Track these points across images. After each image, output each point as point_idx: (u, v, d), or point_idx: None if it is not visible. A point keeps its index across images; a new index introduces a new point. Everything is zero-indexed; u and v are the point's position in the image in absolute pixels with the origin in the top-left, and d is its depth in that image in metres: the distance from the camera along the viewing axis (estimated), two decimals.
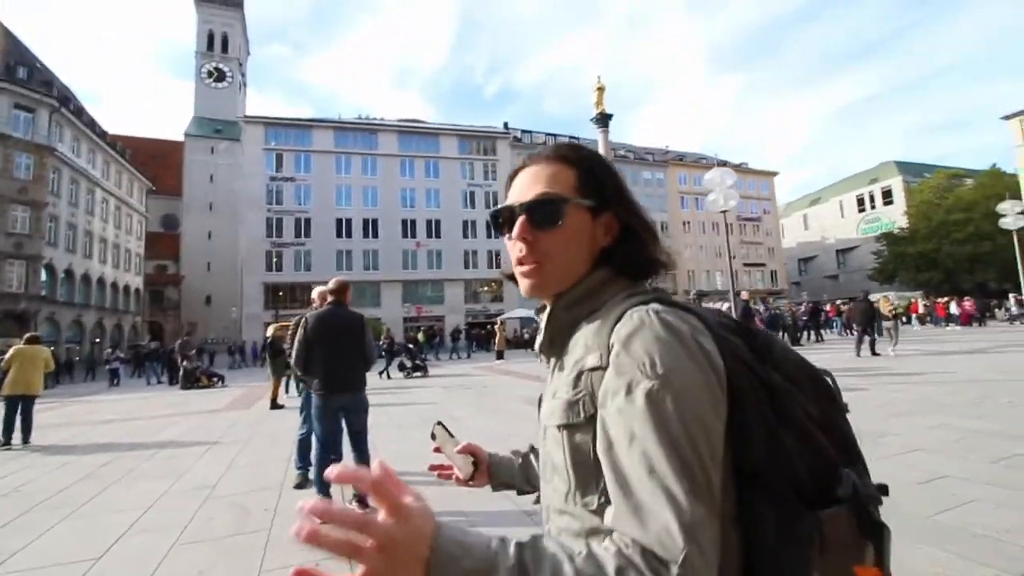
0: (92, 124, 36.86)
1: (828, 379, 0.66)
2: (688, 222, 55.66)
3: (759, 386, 0.57)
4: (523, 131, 50.77)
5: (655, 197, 54.84)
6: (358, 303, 41.21)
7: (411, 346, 13.20)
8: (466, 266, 44.82)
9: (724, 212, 11.14)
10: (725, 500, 0.53)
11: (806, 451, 0.57)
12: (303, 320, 3.60)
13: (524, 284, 0.70)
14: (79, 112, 35.06)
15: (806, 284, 61.75)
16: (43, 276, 29.95)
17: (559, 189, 0.68)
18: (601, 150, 23.13)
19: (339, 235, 42.12)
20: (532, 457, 0.95)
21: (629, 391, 0.53)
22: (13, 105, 29.13)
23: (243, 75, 64.61)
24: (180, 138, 58.17)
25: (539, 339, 0.72)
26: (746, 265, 58.20)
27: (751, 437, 0.55)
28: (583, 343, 0.63)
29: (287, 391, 9.84)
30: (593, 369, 0.60)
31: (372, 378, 13.46)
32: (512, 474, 0.95)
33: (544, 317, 0.71)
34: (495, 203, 30.00)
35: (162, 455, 5.62)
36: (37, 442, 6.69)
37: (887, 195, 56.57)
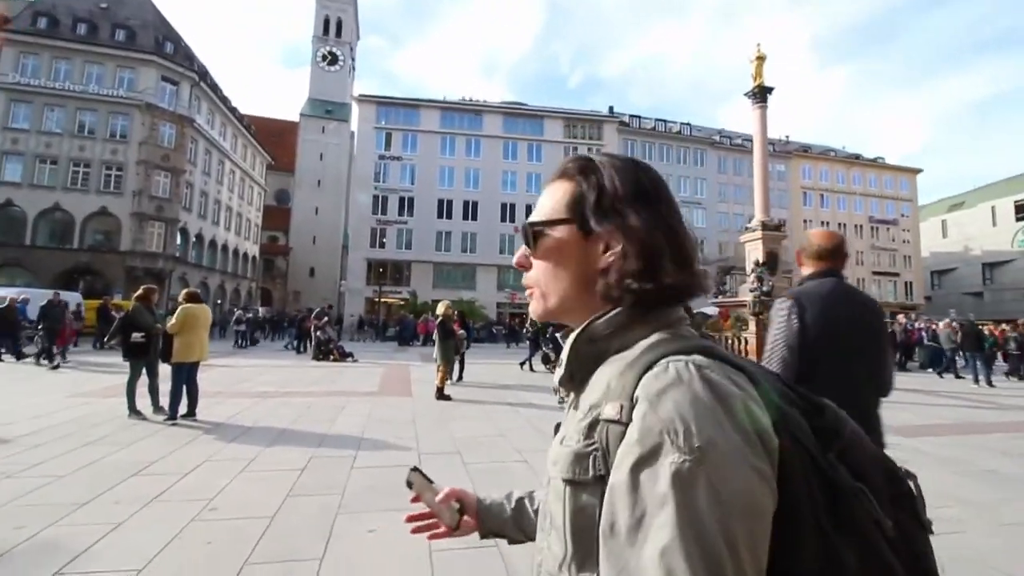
0: (225, 100, 39.12)
1: (911, 483, 0.53)
2: (809, 220, 50.07)
3: (818, 483, 0.45)
4: (631, 115, 47.89)
5: (775, 192, 49.64)
6: (453, 284, 41.17)
7: (557, 335, 11.72)
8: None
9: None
10: None
11: (865, 570, 0.44)
12: (792, 303, 1.94)
13: (531, 309, 0.65)
14: (214, 87, 37.25)
15: (939, 300, 53.40)
16: (178, 239, 32.15)
17: (549, 209, 0.63)
18: (757, 129, 20.37)
19: (440, 216, 42.05)
20: (527, 503, 0.84)
21: (651, 464, 0.42)
22: (160, 77, 31.25)
23: (353, 59, 66.72)
24: (294, 118, 61.56)
25: (558, 371, 0.61)
26: (875, 274, 51.64)
27: (799, 551, 0.43)
28: (604, 385, 0.53)
29: (451, 379, 8.75)
30: (610, 421, 0.49)
31: (512, 370, 12.77)
32: (503, 521, 0.84)
33: (565, 348, 0.60)
34: None
35: (369, 460, 4.50)
36: (203, 416, 5.93)
37: None
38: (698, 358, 0.48)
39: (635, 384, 0.48)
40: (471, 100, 45.89)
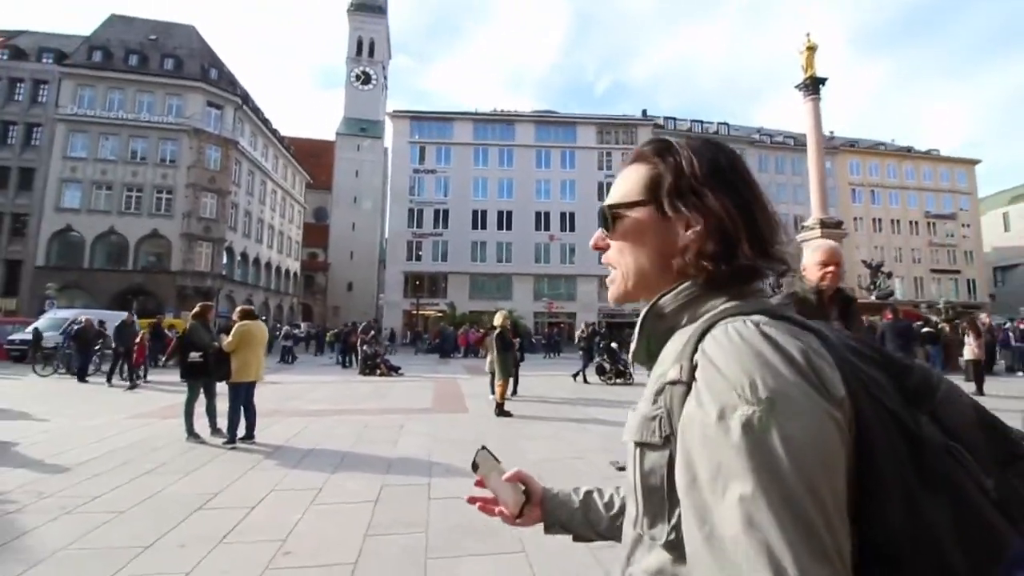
0: (266, 121, 40.37)
1: (1019, 435, 0.50)
2: (860, 218, 47.70)
3: (899, 437, 0.44)
4: (666, 117, 46.91)
5: None
6: (489, 295, 40.91)
7: (613, 344, 11.18)
8: (600, 262, 42.27)
9: None
10: None
11: (967, 533, 0.42)
12: None
13: (608, 293, 0.67)
14: (256, 111, 38.47)
15: (1004, 299, 49.60)
16: (224, 257, 33.10)
17: (625, 191, 0.63)
18: (810, 122, 19.31)
19: (474, 226, 42.00)
20: (596, 497, 0.81)
21: (721, 417, 0.43)
22: (206, 103, 32.44)
23: (385, 77, 68.12)
24: (330, 137, 63.18)
25: (632, 345, 0.63)
26: (934, 272, 48.60)
27: (884, 508, 0.42)
28: (671, 353, 0.54)
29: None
30: (673, 383, 0.50)
31: (564, 381, 12.23)
32: (571, 514, 0.81)
33: (637, 323, 0.62)
34: None
35: (446, 489, 4.07)
36: (261, 438, 5.65)
37: None
38: (757, 317, 0.49)
39: (695, 345, 0.49)
40: (502, 111, 45.90)
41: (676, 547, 0.48)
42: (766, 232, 0.57)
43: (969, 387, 10.31)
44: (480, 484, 0.82)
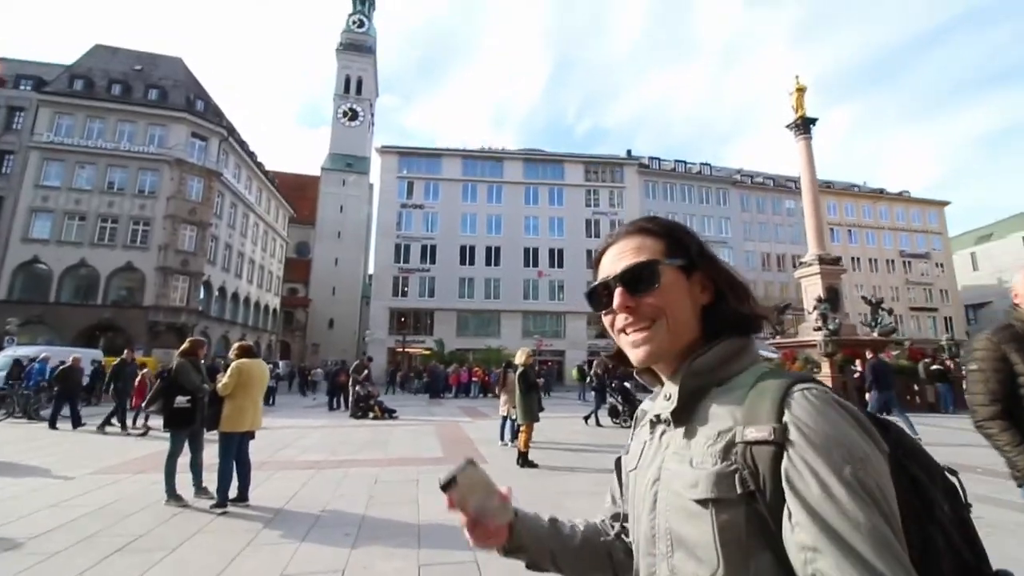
0: (251, 154, 39.80)
1: (954, 477, 0.62)
2: (839, 256, 48.58)
3: (905, 478, 0.56)
4: (650, 157, 47.88)
5: (798, 228, 48.74)
6: (478, 331, 40.02)
7: (626, 384, 10.47)
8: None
9: None
10: None
11: (948, 550, 0.54)
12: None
13: (637, 353, 0.69)
14: (242, 143, 37.94)
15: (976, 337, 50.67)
16: (201, 292, 31.72)
17: (646, 254, 0.70)
18: (803, 161, 19.54)
19: (462, 262, 41.50)
20: (561, 526, 0.84)
21: (834, 473, 0.51)
22: (190, 134, 31.79)
23: (372, 114, 68.78)
24: (313, 172, 63.01)
25: (667, 405, 0.69)
26: (912, 309, 49.57)
27: (906, 530, 0.52)
28: (727, 412, 0.61)
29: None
30: (756, 443, 0.57)
31: (577, 424, 11.34)
32: (539, 538, 0.80)
33: (671, 385, 0.69)
34: None
35: (498, 570, 3.28)
36: (256, 499, 4.76)
37: None
38: (818, 387, 0.59)
39: (777, 411, 0.57)
40: (491, 148, 46.30)
41: None
42: (746, 291, 0.71)
43: None
44: (452, 505, 0.73)
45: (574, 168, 44.73)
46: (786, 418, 0.56)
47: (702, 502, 0.57)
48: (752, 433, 0.57)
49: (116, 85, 31.71)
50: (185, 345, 5.10)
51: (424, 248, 41.50)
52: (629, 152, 48.03)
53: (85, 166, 29.53)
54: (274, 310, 47.25)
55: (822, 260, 17.79)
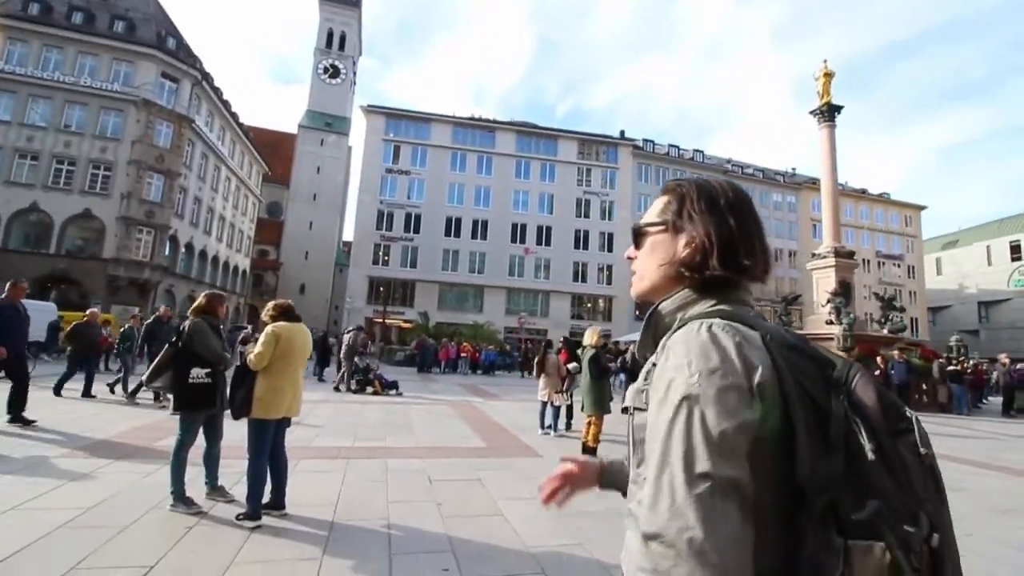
0: (226, 103, 36.87)
1: (910, 417, 0.66)
2: (812, 253, 49.30)
3: (812, 410, 0.61)
4: (644, 140, 46.93)
5: (785, 223, 49.20)
6: (460, 306, 38.83)
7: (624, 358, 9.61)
8: (575, 279, 41.31)
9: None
10: (774, 512, 0.58)
11: (851, 481, 0.58)
12: None
13: (632, 291, 0.89)
14: (216, 90, 35.00)
15: (936, 338, 53.01)
16: (167, 247, 29.38)
17: (649, 215, 0.86)
18: (824, 150, 18.81)
19: (447, 234, 40.01)
20: None
21: (669, 388, 0.62)
22: (160, 73, 28.94)
23: (354, 73, 65.33)
24: (288, 130, 59.60)
25: (639, 337, 0.85)
26: (883, 309, 50.83)
27: (799, 456, 0.59)
28: (662, 345, 0.73)
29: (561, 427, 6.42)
30: (653, 366, 0.70)
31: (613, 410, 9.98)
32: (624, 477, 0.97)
33: (645, 321, 0.82)
34: (611, 215, 26.41)
35: None
36: (295, 506, 3.63)
37: None
38: (711, 320, 0.67)
39: (668, 338, 0.70)
40: (482, 118, 44.42)
41: None
42: (741, 251, 0.76)
43: None
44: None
45: (568, 144, 43.41)
46: (667, 342, 0.69)
47: (624, 409, 0.76)
48: (652, 358, 0.72)
49: (77, 13, 28.44)
50: (200, 301, 3.83)
51: (408, 216, 39.75)
52: (622, 133, 46.94)
53: (39, 100, 26.51)
54: (244, 271, 44.76)
55: (838, 253, 17.33)
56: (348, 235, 66.25)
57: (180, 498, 3.47)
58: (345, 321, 38.71)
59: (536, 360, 7.46)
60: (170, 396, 3.65)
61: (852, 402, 0.63)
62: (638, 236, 0.86)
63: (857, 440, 0.60)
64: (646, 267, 0.84)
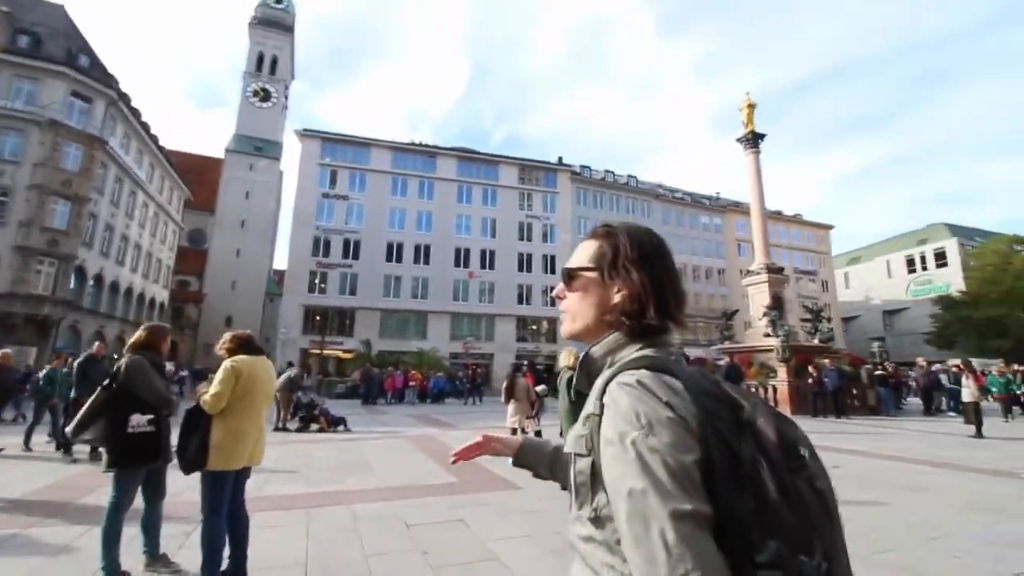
0: (145, 126, 34.39)
1: (805, 452, 0.72)
2: (744, 271, 52.50)
3: (726, 452, 0.65)
4: (582, 166, 48.51)
5: (712, 243, 52.14)
6: (403, 333, 37.71)
7: None
8: (520, 301, 41.45)
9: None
10: None
11: (762, 517, 0.63)
12: None
13: (562, 331, 0.95)
14: (135, 112, 32.59)
15: (850, 345, 58.05)
16: (72, 280, 26.54)
17: (582, 259, 0.90)
18: (750, 174, 20.14)
19: (389, 259, 39.07)
20: (556, 448, 1.14)
21: (624, 437, 0.66)
22: (70, 92, 26.59)
23: (286, 97, 63.45)
24: (212, 155, 56.53)
25: (575, 377, 0.91)
26: (802, 320, 54.74)
27: (718, 494, 0.63)
28: (595, 391, 0.78)
29: None
30: (592, 414, 0.74)
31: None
32: (539, 457, 1.15)
33: (579, 362, 0.88)
34: (553, 238, 27.31)
35: None
36: (258, 573, 3.11)
37: (940, 257, 54.19)
38: (641, 372, 0.72)
39: (603, 389, 0.74)
40: (422, 143, 44.24)
41: (597, 520, 0.72)
42: (671, 302, 0.84)
43: (969, 429, 10.35)
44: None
45: (509, 169, 44.04)
46: (604, 398, 0.73)
47: (568, 454, 0.78)
48: (591, 407, 0.75)
49: None
50: (140, 334, 3.27)
51: (347, 242, 38.47)
52: (560, 159, 48.30)
53: None
54: (161, 304, 41.29)
55: (770, 269, 18.41)
56: (280, 263, 63.36)
57: (113, 573, 2.86)
58: (278, 353, 36.49)
59: (505, 386, 7.17)
60: (101, 450, 3.03)
61: (758, 442, 0.68)
62: (570, 278, 0.90)
63: (762, 480, 0.65)
64: (579, 309, 0.88)
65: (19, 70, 25.57)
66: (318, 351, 33.24)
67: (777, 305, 17.61)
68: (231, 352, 3.16)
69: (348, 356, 34.58)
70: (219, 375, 3.01)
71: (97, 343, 7.99)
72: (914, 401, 18.43)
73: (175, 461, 3.09)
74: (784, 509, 0.64)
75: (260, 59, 59.52)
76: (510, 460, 1.15)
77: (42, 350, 24.09)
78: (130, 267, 33.93)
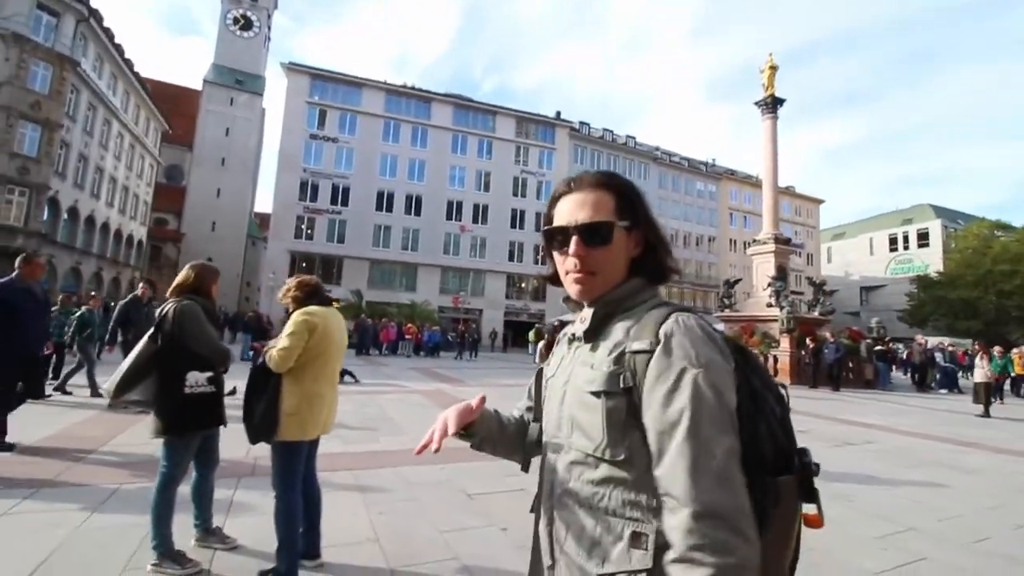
0: (119, 47, 31.75)
1: (783, 389, 0.85)
2: (735, 240, 52.78)
3: (744, 385, 0.76)
4: (580, 122, 47.06)
5: (705, 210, 51.87)
6: (392, 285, 37.09)
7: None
8: (511, 258, 40.93)
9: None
10: None
11: (770, 437, 0.76)
12: None
13: (576, 290, 0.89)
14: (108, 32, 29.96)
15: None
16: (45, 212, 24.98)
17: (603, 213, 0.87)
18: (767, 140, 19.53)
19: (379, 208, 37.89)
20: (501, 421, 1.06)
21: (683, 374, 0.72)
22: (36, 4, 24.14)
23: (269, 28, 59.44)
24: (190, 85, 53.05)
25: (582, 327, 0.89)
26: (793, 292, 55.63)
27: (743, 422, 0.73)
28: (623, 331, 0.82)
29: None
30: (638, 352, 0.77)
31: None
32: (489, 431, 1.03)
33: (588, 311, 0.89)
34: (547, 194, 26.46)
35: None
36: (332, 551, 2.75)
37: (923, 237, 55.16)
38: (690, 315, 0.79)
39: (656, 329, 0.77)
40: (416, 86, 42.13)
41: (628, 461, 0.75)
42: (668, 249, 0.91)
43: (977, 408, 10.49)
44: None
45: (506, 121, 42.46)
46: (660, 332, 0.76)
47: (596, 393, 0.78)
48: (636, 345, 0.77)
49: None
50: (187, 275, 2.70)
51: (335, 188, 37.06)
52: (558, 113, 46.72)
53: None
54: (139, 242, 39.65)
55: (777, 240, 18.20)
56: (262, 206, 61.11)
57: (168, 553, 2.46)
58: (262, 299, 35.63)
59: (543, 344, 6.82)
60: (148, 412, 2.54)
61: (762, 379, 0.80)
62: (597, 234, 0.86)
63: (767, 406, 0.78)
64: (608, 264, 0.87)
65: None
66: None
67: (782, 276, 17.51)
68: (298, 301, 2.67)
69: (336, 306, 33.82)
70: (289, 328, 2.53)
71: (141, 285, 7.19)
72: (897, 376, 18.83)
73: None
74: (780, 432, 0.77)
75: None
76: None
77: None
78: (106, 201, 32.14)
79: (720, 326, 17.91)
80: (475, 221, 40.17)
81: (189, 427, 2.51)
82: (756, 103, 19.36)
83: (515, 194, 41.66)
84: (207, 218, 49.71)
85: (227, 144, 51.51)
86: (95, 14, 27.96)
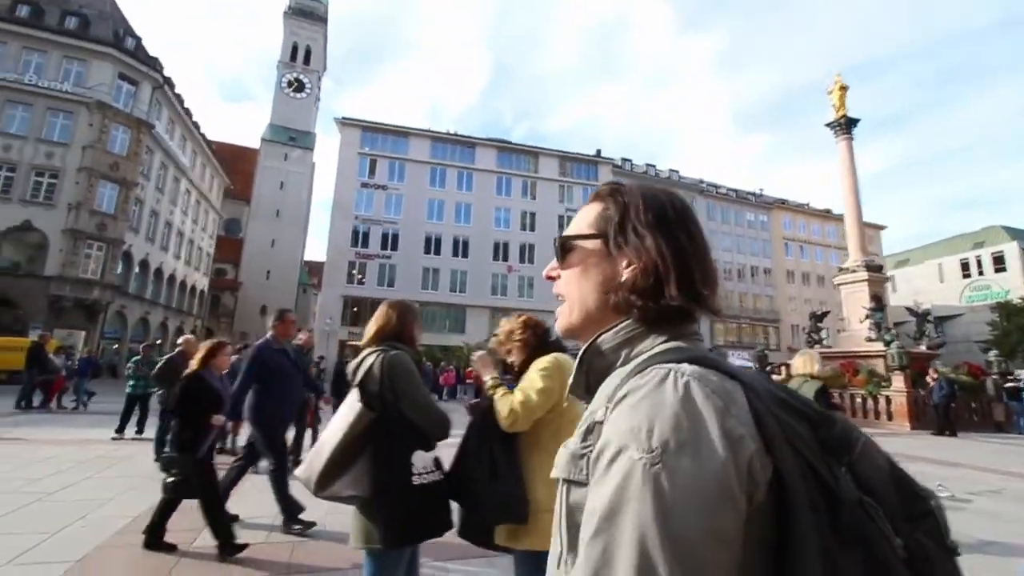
0: (188, 111, 34.04)
1: (932, 502, 0.51)
2: (792, 271, 50.43)
3: (816, 490, 0.45)
4: (623, 159, 46.94)
5: (759, 241, 50.03)
6: (441, 327, 36.80)
7: None
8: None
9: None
10: None
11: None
12: None
13: (557, 326, 0.71)
14: (179, 97, 32.22)
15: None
16: (119, 264, 26.16)
17: (581, 225, 0.68)
18: (842, 161, 18.40)
19: (427, 251, 38.17)
20: None
21: (613, 459, 0.45)
22: (117, 75, 26.14)
23: (319, 88, 63.17)
24: (248, 144, 56.42)
25: (570, 380, 0.65)
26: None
27: (803, 563, 0.42)
28: (603, 393, 0.55)
29: None
30: (599, 423, 0.51)
31: None
32: None
33: (577, 359, 0.64)
34: None
35: None
36: None
37: (998, 261, 51.17)
38: (685, 366, 0.49)
39: (620, 386, 0.51)
40: (459, 133, 43.25)
41: None
42: (698, 279, 0.60)
43: None
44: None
45: (549, 161, 42.72)
46: (617, 393, 0.51)
47: (562, 481, 0.53)
48: (599, 413, 0.52)
49: (23, 6, 25.39)
50: (387, 315, 2.08)
51: (385, 234, 37.68)
52: (599, 152, 46.76)
53: None
54: (201, 291, 41.21)
55: (868, 267, 16.80)
56: (311, 255, 63.19)
57: None
58: (319, 344, 35.93)
59: None
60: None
61: (857, 477, 0.48)
62: (565, 250, 0.67)
63: (876, 531, 0.45)
64: (577, 291, 0.65)
65: (68, 51, 25.20)
66: (357, 343, 32.48)
67: (880, 307, 16.02)
68: (527, 345, 1.99)
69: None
70: (537, 372, 1.84)
71: (305, 331, 6.48)
72: None
73: None
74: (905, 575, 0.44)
75: (294, 49, 59.29)
76: None
77: (90, 334, 23.75)
78: (173, 253, 33.67)
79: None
80: (522, 261, 39.89)
81: (415, 534, 1.81)
82: (827, 124, 18.43)
83: (561, 232, 41.29)
84: (262, 267, 51.54)
85: (281, 197, 53.92)
86: (168, 81, 30.12)
